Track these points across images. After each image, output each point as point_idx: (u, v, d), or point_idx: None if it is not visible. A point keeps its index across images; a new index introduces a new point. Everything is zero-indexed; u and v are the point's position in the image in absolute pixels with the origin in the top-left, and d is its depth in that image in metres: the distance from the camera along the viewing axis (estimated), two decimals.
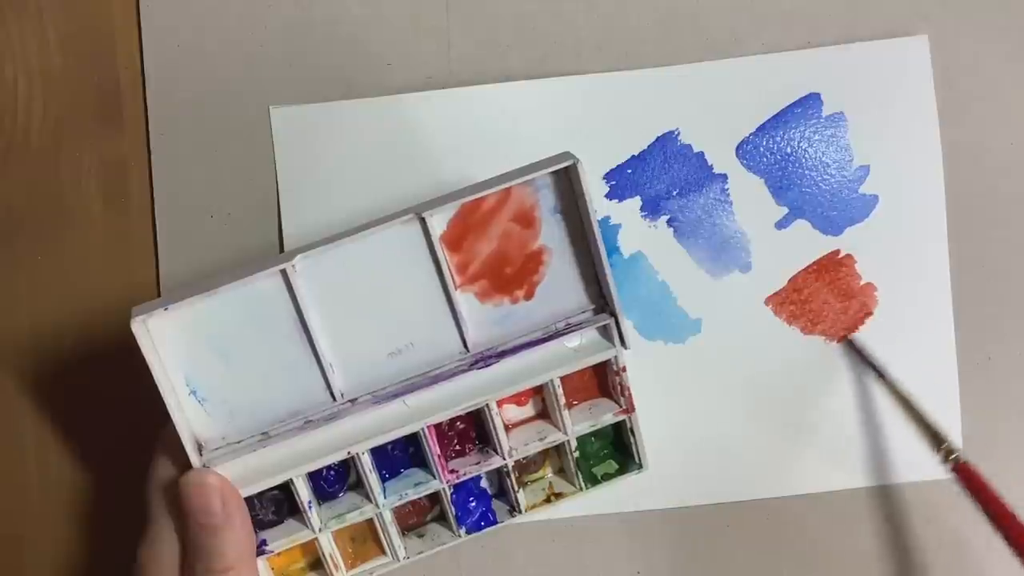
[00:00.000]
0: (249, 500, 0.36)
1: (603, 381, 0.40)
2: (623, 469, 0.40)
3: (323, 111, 0.42)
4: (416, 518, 0.40)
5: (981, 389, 0.44)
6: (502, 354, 0.38)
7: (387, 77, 0.43)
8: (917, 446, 0.44)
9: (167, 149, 0.43)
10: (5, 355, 0.43)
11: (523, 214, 0.37)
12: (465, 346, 0.38)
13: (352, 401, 0.37)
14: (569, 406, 0.39)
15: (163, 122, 0.43)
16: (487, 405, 0.38)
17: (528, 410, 0.40)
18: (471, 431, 0.39)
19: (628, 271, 0.43)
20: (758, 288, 0.43)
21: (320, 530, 0.38)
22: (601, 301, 0.39)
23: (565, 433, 0.39)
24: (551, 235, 0.38)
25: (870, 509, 0.44)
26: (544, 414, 0.40)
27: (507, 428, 0.39)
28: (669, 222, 0.43)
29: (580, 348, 0.39)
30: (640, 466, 0.40)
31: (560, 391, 0.38)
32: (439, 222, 0.37)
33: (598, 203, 0.43)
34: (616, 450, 0.41)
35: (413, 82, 0.43)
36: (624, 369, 0.39)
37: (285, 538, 0.37)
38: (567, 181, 0.37)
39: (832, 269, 0.43)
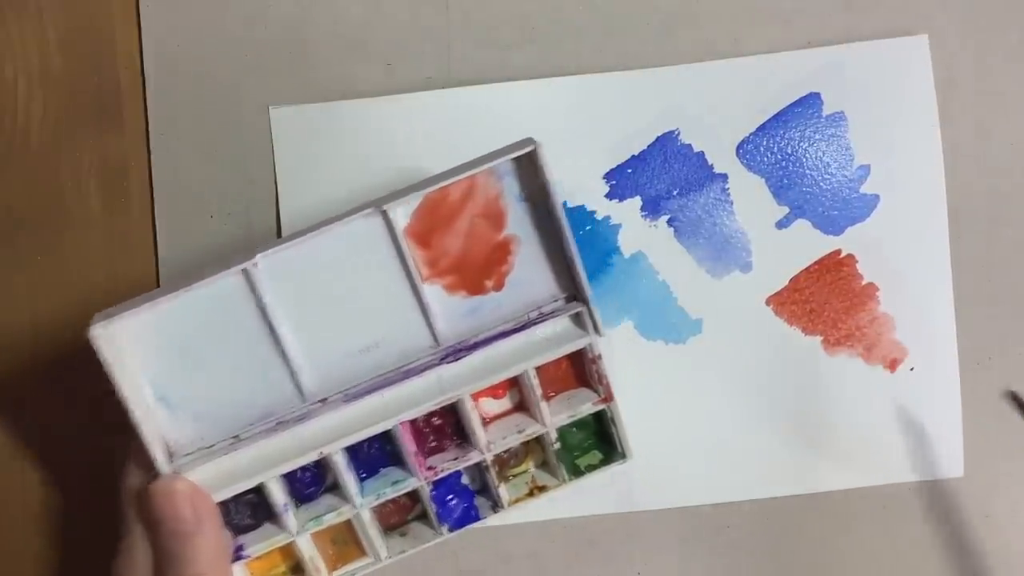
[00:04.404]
0: (224, 505, 0.36)
1: (581, 371, 0.39)
2: (607, 459, 0.40)
3: (323, 111, 0.42)
4: (399, 516, 0.40)
5: (981, 389, 0.44)
6: (474, 346, 0.37)
7: (387, 77, 0.43)
8: (917, 446, 0.44)
9: (167, 149, 0.43)
10: (5, 355, 0.43)
11: (489, 204, 0.37)
12: (436, 340, 0.37)
13: (323, 400, 0.37)
14: (547, 397, 0.38)
15: (163, 122, 0.43)
16: (462, 399, 0.37)
17: (506, 403, 0.40)
18: (448, 426, 0.39)
19: (628, 271, 0.43)
20: (759, 288, 0.43)
21: (298, 533, 0.37)
22: (573, 289, 0.38)
23: (544, 425, 0.38)
24: (518, 224, 0.37)
25: (870, 509, 0.44)
26: (522, 406, 0.40)
27: (485, 422, 0.39)
28: (669, 222, 0.43)
29: (553, 337, 0.38)
30: (623, 456, 0.40)
31: (536, 382, 0.38)
32: (402, 215, 0.36)
33: (599, 203, 0.43)
34: (600, 440, 0.40)
35: (413, 82, 0.43)
36: (600, 357, 0.38)
37: (262, 542, 0.37)
38: (531, 167, 0.36)
39: (833, 269, 0.43)
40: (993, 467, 0.44)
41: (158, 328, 0.35)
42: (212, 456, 0.36)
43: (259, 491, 0.37)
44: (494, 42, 0.43)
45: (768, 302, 0.43)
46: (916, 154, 0.43)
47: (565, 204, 0.43)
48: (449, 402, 0.37)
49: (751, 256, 0.43)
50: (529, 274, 0.38)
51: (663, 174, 0.43)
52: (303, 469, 0.37)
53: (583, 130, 0.43)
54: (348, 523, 0.38)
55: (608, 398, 0.39)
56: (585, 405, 0.39)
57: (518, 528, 0.44)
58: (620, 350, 0.43)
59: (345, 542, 0.39)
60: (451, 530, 0.39)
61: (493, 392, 0.39)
